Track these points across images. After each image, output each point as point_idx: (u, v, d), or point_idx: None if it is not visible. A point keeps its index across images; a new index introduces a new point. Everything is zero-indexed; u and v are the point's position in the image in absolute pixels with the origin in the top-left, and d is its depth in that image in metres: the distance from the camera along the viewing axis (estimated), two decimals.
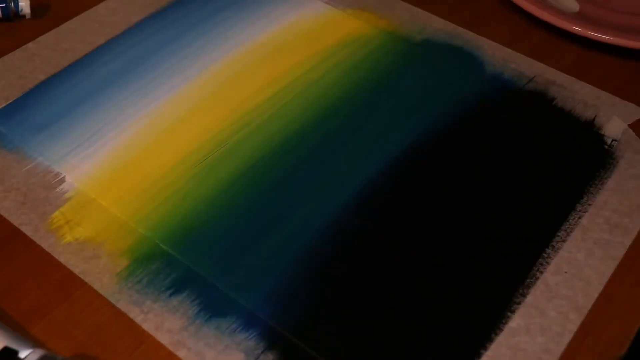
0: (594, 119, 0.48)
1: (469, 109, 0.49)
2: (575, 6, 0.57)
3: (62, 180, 0.44)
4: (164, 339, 0.37)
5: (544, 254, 0.41)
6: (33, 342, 0.36)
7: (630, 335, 0.38)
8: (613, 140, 0.47)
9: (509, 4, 0.57)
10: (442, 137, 0.47)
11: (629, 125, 0.48)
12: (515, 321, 0.38)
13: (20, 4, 0.54)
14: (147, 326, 0.37)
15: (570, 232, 0.42)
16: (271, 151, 0.46)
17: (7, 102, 0.48)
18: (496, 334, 0.37)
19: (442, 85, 0.50)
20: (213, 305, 0.38)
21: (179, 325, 0.37)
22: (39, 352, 0.34)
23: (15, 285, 0.39)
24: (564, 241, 0.41)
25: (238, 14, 0.56)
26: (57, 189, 0.43)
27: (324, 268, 0.40)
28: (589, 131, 0.48)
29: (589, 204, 0.43)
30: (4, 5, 0.54)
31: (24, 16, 0.55)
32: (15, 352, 0.34)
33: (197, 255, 0.40)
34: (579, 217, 0.43)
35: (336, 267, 0.40)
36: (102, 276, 0.39)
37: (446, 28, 0.55)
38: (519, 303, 0.38)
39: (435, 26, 0.55)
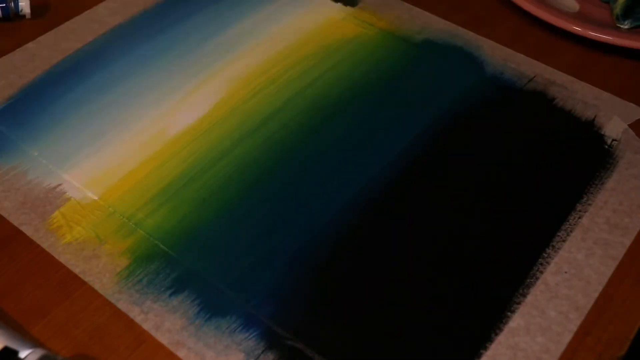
0: (594, 119, 0.48)
1: (469, 108, 0.49)
2: (575, 6, 0.57)
3: (62, 180, 0.44)
4: (164, 338, 0.37)
5: (544, 254, 0.41)
6: (33, 342, 0.36)
7: (630, 335, 0.38)
8: (613, 140, 0.47)
9: (509, 4, 0.57)
10: (442, 137, 0.47)
11: (629, 125, 0.48)
12: (515, 321, 0.38)
13: (20, 4, 0.54)
14: (147, 326, 0.37)
15: (570, 232, 0.42)
16: (270, 151, 0.46)
17: (7, 102, 0.48)
18: (496, 334, 0.37)
19: (442, 85, 0.50)
20: (213, 305, 0.38)
21: (179, 325, 0.37)
22: (39, 352, 0.34)
23: (15, 285, 0.39)
24: (564, 241, 0.41)
25: (239, 15, 0.56)
26: (57, 189, 0.43)
27: (323, 268, 0.40)
28: (589, 131, 0.48)
29: (589, 204, 0.43)
30: (4, 5, 0.54)
31: (24, 16, 0.55)
32: (15, 352, 0.34)
33: (196, 255, 0.40)
34: (579, 217, 0.43)
35: (336, 267, 0.40)
36: (102, 276, 0.39)
37: (446, 28, 0.55)
38: (519, 303, 0.38)
39: (435, 26, 0.55)
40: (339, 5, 0.57)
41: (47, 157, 0.45)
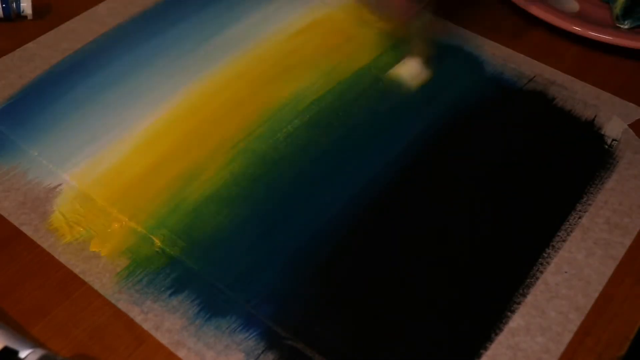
0: (594, 119, 0.48)
1: (469, 108, 0.49)
2: (575, 6, 0.57)
3: (63, 180, 0.44)
4: (163, 338, 0.37)
5: (544, 254, 0.41)
6: (33, 342, 0.36)
7: (630, 335, 0.38)
8: (613, 140, 0.47)
9: (509, 4, 0.57)
10: (442, 137, 0.47)
11: (629, 125, 0.48)
12: (515, 321, 0.38)
13: (22, 4, 0.54)
14: (147, 326, 0.37)
15: (570, 232, 0.42)
16: (270, 151, 0.46)
17: (8, 102, 0.49)
18: (496, 334, 0.37)
19: (442, 85, 0.50)
20: (213, 305, 0.38)
21: (179, 325, 0.37)
22: (39, 352, 0.34)
23: (15, 285, 0.39)
24: (564, 241, 0.41)
25: (238, 15, 0.56)
26: (57, 189, 0.43)
27: (323, 268, 0.40)
28: (589, 131, 0.48)
29: (589, 204, 0.43)
30: (5, 5, 0.54)
31: (25, 17, 0.55)
32: (15, 352, 0.34)
33: (197, 255, 0.40)
34: (579, 217, 0.43)
35: (336, 267, 0.40)
36: (102, 276, 0.39)
37: (446, 28, 0.55)
38: (519, 303, 0.38)
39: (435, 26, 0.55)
40: (339, 5, 0.57)
41: (47, 157, 0.45)
